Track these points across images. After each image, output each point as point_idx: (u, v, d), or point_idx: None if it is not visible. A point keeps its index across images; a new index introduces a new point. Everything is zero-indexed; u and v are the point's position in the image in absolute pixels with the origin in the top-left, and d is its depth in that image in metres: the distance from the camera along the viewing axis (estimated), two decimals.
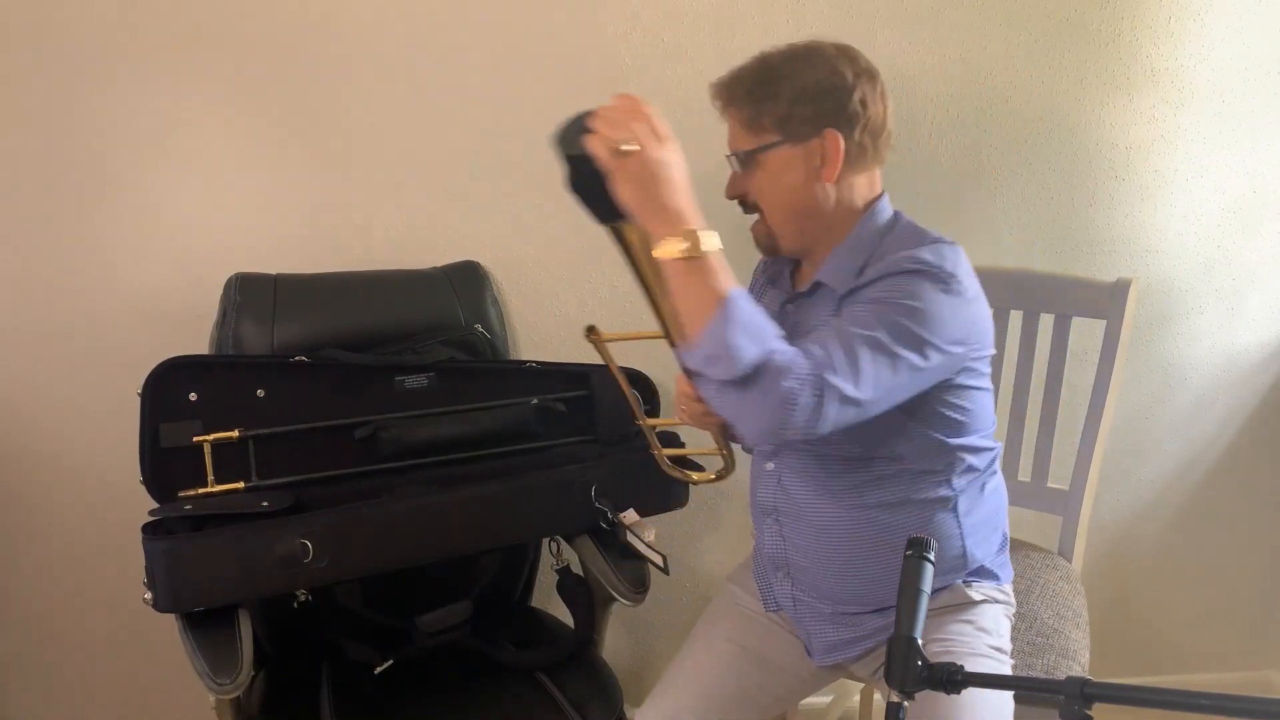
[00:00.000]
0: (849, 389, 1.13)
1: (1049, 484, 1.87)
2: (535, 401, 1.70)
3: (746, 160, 1.31)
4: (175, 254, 1.77)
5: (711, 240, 1.10)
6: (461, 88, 1.76)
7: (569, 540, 1.64)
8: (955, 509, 1.37)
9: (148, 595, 1.33)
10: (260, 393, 1.55)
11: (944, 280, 1.22)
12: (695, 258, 1.09)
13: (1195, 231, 2.03)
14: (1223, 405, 2.18)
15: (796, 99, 1.26)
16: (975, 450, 1.37)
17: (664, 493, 1.66)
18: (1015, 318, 1.85)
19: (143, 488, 1.49)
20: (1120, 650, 2.33)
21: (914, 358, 1.19)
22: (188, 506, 1.45)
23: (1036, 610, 1.68)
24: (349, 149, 1.76)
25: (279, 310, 1.64)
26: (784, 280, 1.44)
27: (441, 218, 1.83)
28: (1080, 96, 1.91)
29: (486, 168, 1.81)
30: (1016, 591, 1.72)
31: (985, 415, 1.37)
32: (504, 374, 1.71)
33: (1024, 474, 1.89)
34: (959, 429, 1.34)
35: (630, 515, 1.63)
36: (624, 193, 1.08)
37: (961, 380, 1.30)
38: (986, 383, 1.35)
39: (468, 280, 1.79)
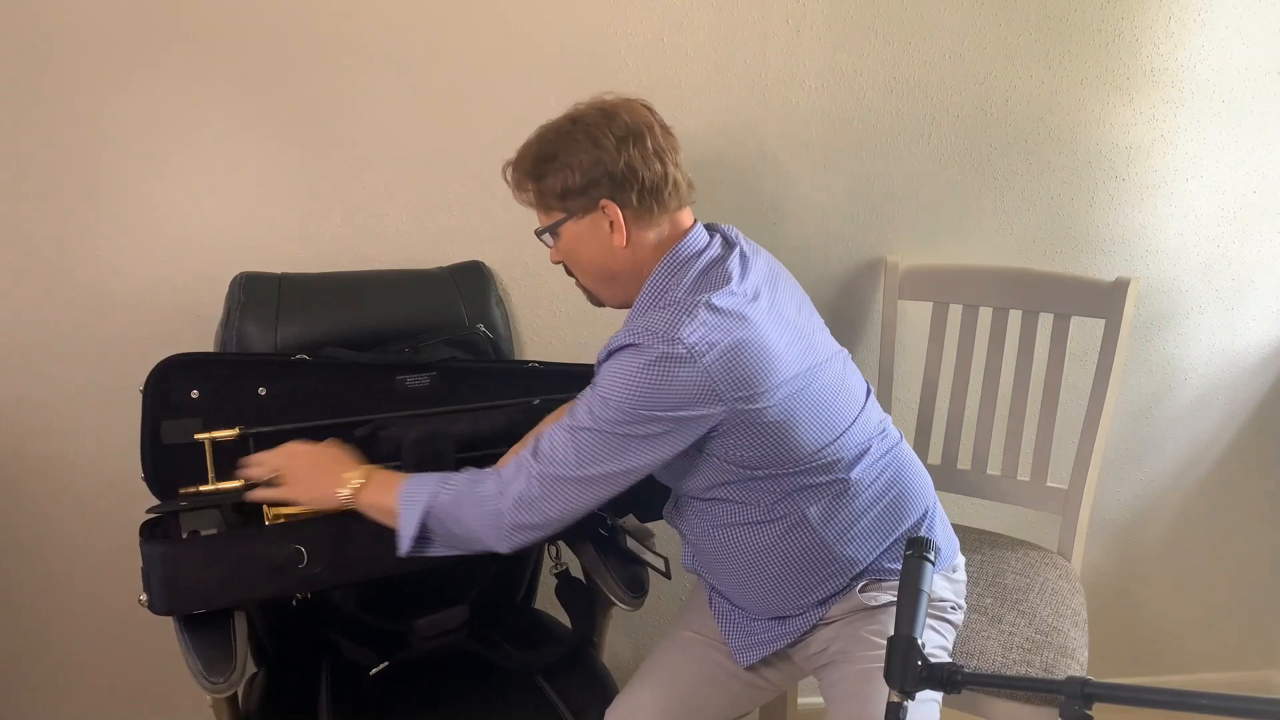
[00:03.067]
0: (558, 471, 1.29)
1: (1048, 483, 1.87)
2: (537, 402, 1.69)
3: (545, 235, 1.40)
4: (181, 253, 1.77)
5: (351, 486, 1.37)
6: (467, 88, 1.76)
7: (569, 544, 1.64)
8: (807, 520, 1.36)
9: (143, 597, 1.33)
10: (262, 391, 1.55)
11: (654, 353, 1.23)
12: (353, 503, 1.38)
13: (1195, 231, 2.03)
14: (1223, 405, 2.18)
15: (565, 177, 1.33)
16: (803, 472, 1.34)
17: (665, 497, 1.65)
18: (1015, 317, 1.86)
19: (145, 487, 1.49)
20: (1120, 650, 2.33)
21: (627, 429, 1.26)
22: (183, 503, 1.45)
23: (1036, 608, 1.68)
24: (355, 149, 1.76)
25: (283, 309, 1.64)
26: None
27: (447, 218, 1.83)
28: (1080, 96, 1.91)
29: (492, 168, 1.80)
30: (1015, 590, 1.73)
31: (802, 446, 1.32)
32: (506, 374, 1.70)
33: (1024, 473, 1.90)
34: (773, 466, 1.33)
35: (630, 520, 1.62)
36: (296, 496, 1.40)
37: (736, 429, 1.28)
38: (776, 421, 1.29)
39: (472, 280, 1.79)
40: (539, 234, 1.41)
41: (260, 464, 1.42)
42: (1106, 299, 1.78)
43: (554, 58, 1.76)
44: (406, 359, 1.65)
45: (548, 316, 1.91)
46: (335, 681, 1.61)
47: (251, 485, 1.53)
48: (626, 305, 1.43)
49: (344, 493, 1.37)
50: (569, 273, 1.44)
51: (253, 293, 1.64)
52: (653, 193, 1.34)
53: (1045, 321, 1.84)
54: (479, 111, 1.77)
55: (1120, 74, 1.90)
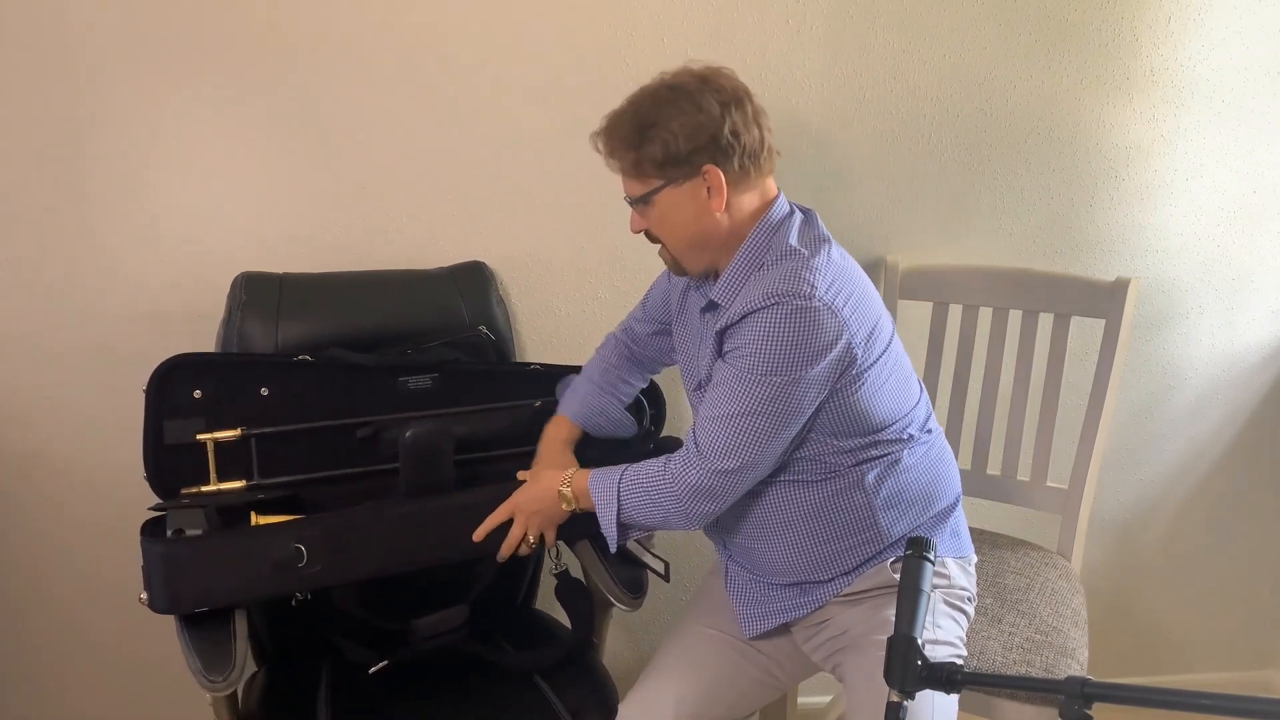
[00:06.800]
0: (726, 465, 1.32)
1: (1049, 483, 1.87)
2: (538, 404, 1.70)
3: (638, 203, 1.39)
4: (182, 253, 1.77)
5: (569, 498, 1.44)
6: (469, 89, 1.76)
7: (569, 545, 1.64)
8: (861, 483, 1.40)
9: (143, 595, 1.34)
10: (264, 391, 1.55)
11: (793, 307, 1.27)
12: (572, 507, 1.45)
13: (1195, 231, 2.03)
14: (1222, 405, 2.18)
15: (669, 143, 1.32)
16: (876, 444, 1.39)
17: None
18: (1015, 317, 1.86)
19: (145, 489, 1.49)
20: (1120, 650, 2.34)
21: (776, 404, 1.29)
22: (185, 502, 1.45)
23: (1036, 608, 1.69)
24: (357, 149, 1.76)
25: (284, 309, 1.64)
26: (705, 286, 1.47)
27: (448, 218, 1.83)
28: (1080, 96, 1.91)
29: (493, 168, 1.81)
30: (1015, 590, 1.73)
31: (880, 413, 1.37)
32: (507, 376, 1.71)
33: (1024, 473, 1.90)
34: (850, 435, 1.37)
35: None
36: (535, 527, 1.47)
37: (836, 390, 1.33)
38: (872, 382, 1.35)
39: (473, 281, 1.79)
40: (632, 202, 1.40)
41: (493, 519, 1.47)
42: (1106, 299, 1.78)
43: (556, 59, 1.76)
44: (409, 360, 1.66)
45: (549, 316, 1.91)
46: (334, 681, 1.61)
47: (256, 485, 1.54)
48: (709, 271, 1.44)
49: (566, 508, 1.45)
50: (651, 240, 1.43)
51: (254, 293, 1.64)
52: (752, 158, 1.35)
53: (1045, 321, 1.84)
54: (480, 112, 1.78)
55: (1120, 74, 1.90)
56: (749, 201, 1.38)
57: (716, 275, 1.43)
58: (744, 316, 1.31)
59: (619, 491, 1.39)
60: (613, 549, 1.43)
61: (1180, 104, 1.93)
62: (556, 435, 1.62)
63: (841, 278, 1.32)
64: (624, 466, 1.41)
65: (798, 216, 1.41)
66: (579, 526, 1.50)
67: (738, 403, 1.30)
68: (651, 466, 1.39)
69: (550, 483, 1.45)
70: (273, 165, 1.76)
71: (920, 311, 1.94)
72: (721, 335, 1.36)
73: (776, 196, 1.41)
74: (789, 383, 1.28)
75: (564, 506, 1.44)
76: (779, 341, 1.27)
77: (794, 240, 1.35)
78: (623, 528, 1.41)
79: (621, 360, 1.66)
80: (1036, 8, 1.84)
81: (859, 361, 1.32)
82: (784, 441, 1.34)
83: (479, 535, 1.46)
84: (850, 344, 1.30)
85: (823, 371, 1.29)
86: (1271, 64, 1.93)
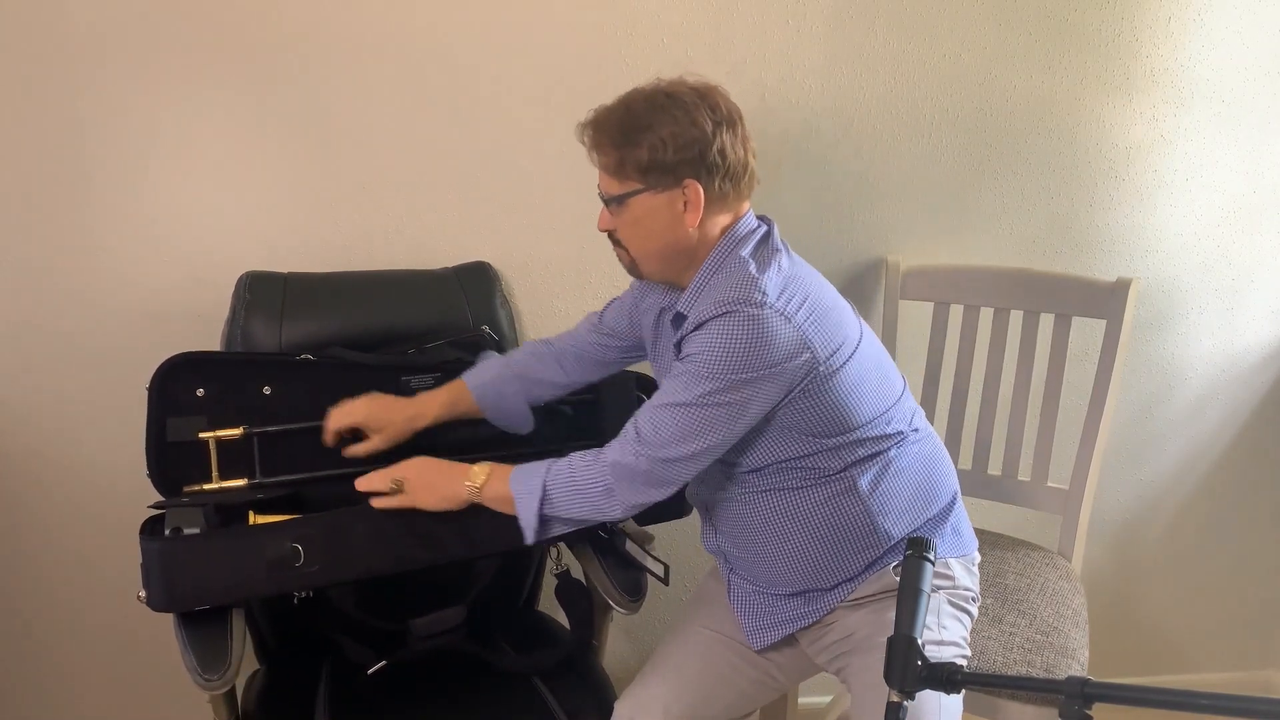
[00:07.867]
0: (668, 453, 1.32)
1: (1049, 484, 1.88)
2: (541, 404, 1.70)
3: (612, 203, 1.38)
4: (184, 253, 1.77)
5: (478, 480, 1.40)
6: (472, 90, 1.76)
7: (569, 546, 1.64)
8: (855, 488, 1.39)
9: (142, 593, 1.34)
10: (267, 390, 1.55)
11: (746, 315, 1.27)
12: (477, 497, 1.40)
13: (1195, 231, 2.03)
14: (1222, 405, 2.18)
15: (656, 149, 1.31)
16: (861, 442, 1.39)
17: (666, 503, 1.64)
18: (1015, 317, 1.86)
19: (146, 489, 1.49)
20: (1120, 650, 2.34)
21: (727, 396, 1.29)
22: (184, 501, 1.45)
23: (1036, 609, 1.69)
24: (361, 148, 1.76)
25: (288, 308, 1.64)
26: (672, 295, 1.47)
27: (452, 218, 1.83)
28: (1079, 97, 1.91)
29: (494, 168, 1.81)
30: (1016, 590, 1.74)
31: (860, 410, 1.37)
32: None
33: (1024, 474, 1.90)
34: (834, 434, 1.37)
35: (630, 524, 1.62)
36: (422, 501, 1.41)
37: (809, 392, 1.33)
38: (846, 382, 1.35)
39: (477, 281, 1.80)
40: (605, 201, 1.39)
41: (381, 477, 1.43)
42: (1107, 299, 1.78)
43: (557, 60, 1.77)
44: (411, 360, 1.66)
45: (552, 317, 1.91)
46: (333, 680, 1.61)
47: (258, 484, 1.54)
48: (668, 280, 1.44)
49: (471, 485, 1.40)
50: (615, 241, 1.42)
51: (258, 292, 1.65)
52: (734, 181, 1.35)
53: (1046, 322, 1.84)
54: (483, 112, 1.78)
55: (1120, 74, 1.90)
56: (721, 220, 1.38)
57: (683, 288, 1.42)
58: (698, 325, 1.31)
59: (545, 482, 1.37)
60: (528, 540, 1.39)
61: (1180, 104, 1.94)
62: (435, 396, 1.58)
63: (794, 285, 1.32)
64: (549, 461, 1.40)
65: (760, 230, 1.41)
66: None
67: (687, 394, 1.30)
68: (580, 457, 1.38)
69: (458, 471, 1.42)
70: (275, 165, 1.76)
71: (920, 311, 1.94)
72: (680, 345, 1.37)
73: (738, 220, 1.40)
74: (741, 383, 1.28)
75: (466, 484, 1.40)
76: (732, 348, 1.27)
77: (747, 253, 1.36)
78: (545, 521, 1.38)
79: (547, 356, 1.64)
80: (1036, 8, 1.84)
81: (822, 364, 1.31)
82: (729, 437, 1.33)
83: (360, 485, 1.44)
84: (809, 349, 1.30)
85: (776, 377, 1.29)
86: (1271, 64, 1.94)
